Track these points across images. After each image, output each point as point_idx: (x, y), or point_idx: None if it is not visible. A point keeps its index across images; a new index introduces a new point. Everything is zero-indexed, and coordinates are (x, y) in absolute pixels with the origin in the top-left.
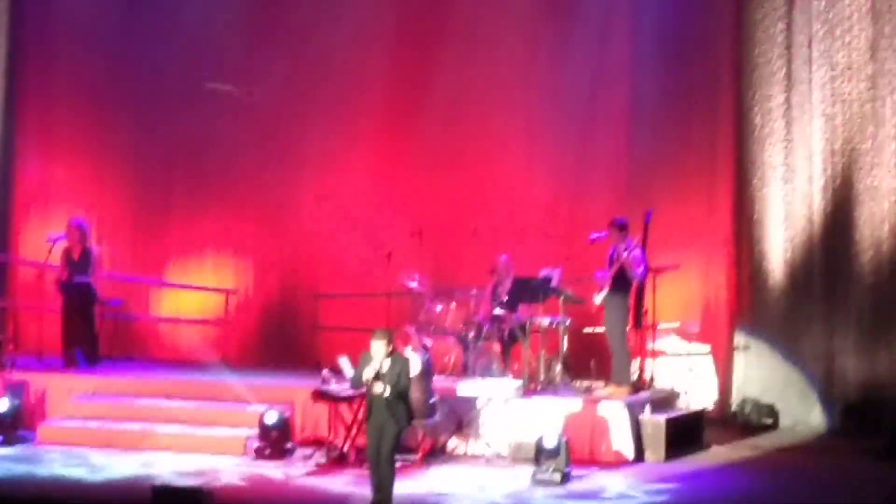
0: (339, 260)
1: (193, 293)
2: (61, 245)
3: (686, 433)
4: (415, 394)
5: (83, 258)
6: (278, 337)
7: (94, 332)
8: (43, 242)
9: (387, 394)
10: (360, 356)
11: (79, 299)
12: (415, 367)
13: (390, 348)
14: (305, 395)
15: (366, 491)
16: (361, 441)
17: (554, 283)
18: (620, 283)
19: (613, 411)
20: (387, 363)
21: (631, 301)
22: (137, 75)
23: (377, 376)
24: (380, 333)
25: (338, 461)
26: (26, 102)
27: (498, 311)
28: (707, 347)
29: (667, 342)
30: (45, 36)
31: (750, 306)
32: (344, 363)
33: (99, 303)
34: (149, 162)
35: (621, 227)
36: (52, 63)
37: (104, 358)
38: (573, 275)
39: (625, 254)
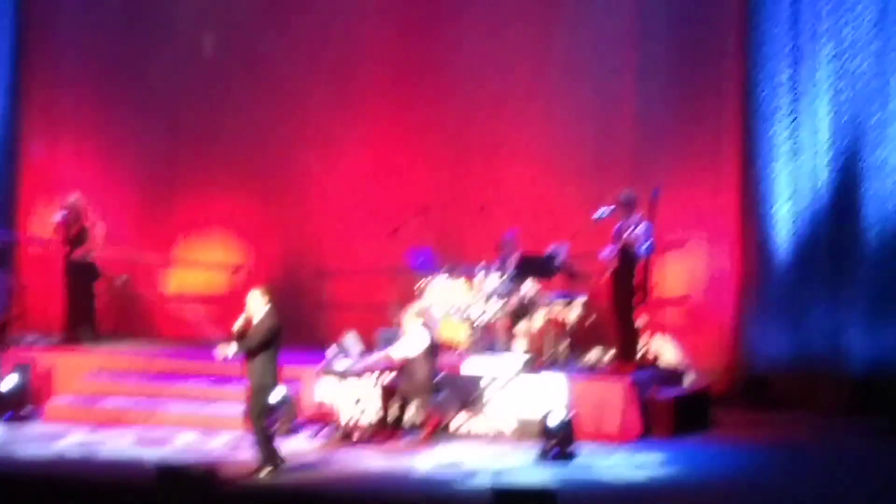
0: (344, 237)
1: (199, 270)
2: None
3: (692, 410)
4: (421, 370)
5: (80, 234)
6: (284, 314)
7: (94, 308)
8: (49, 222)
9: (231, 354)
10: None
11: (80, 276)
12: (421, 343)
13: (265, 300)
14: (311, 373)
15: (373, 465)
16: (367, 418)
17: (560, 260)
18: (626, 259)
19: (619, 388)
20: (259, 317)
21: (637, 277)
22: (142, 55)
23: (240, 338)
24: (258, 288)
25: (344, 438)
26: (32, 82)
27: (504, 287)
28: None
29: (673, 318)
30: (50, 17)
31: (756, 283)
32: (350, 340)
33: (104, 280)
34: (154, 140)
35: (627, 204)
36: (57, 43)
37: (108, 335)
38: (580, 251)
39: (630, 230)
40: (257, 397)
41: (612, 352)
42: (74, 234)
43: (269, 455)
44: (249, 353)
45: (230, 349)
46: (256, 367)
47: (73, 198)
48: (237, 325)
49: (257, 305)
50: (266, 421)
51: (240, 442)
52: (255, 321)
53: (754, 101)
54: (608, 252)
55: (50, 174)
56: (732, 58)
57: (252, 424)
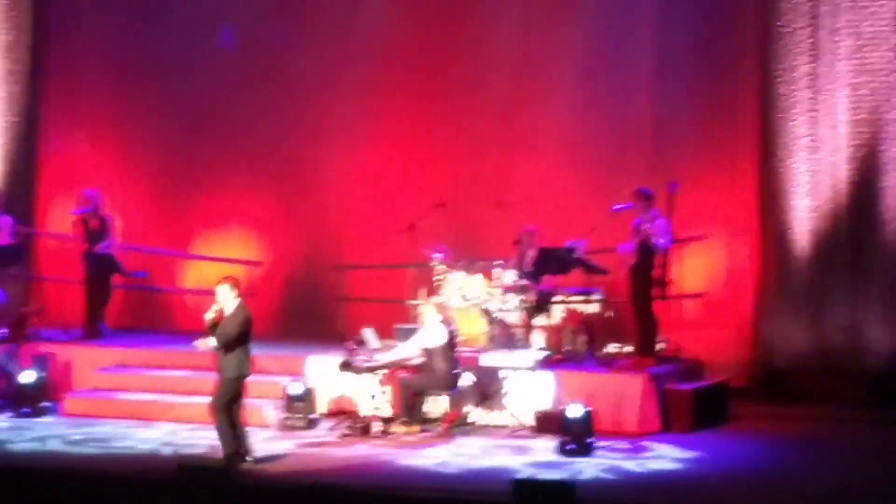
0: (362, 231)
1: (217, 265)
2: (78, 217)
3: (711, 404)
4: (439, 364)
5: (101, 228)
6: (302, 309)
7: (107, 301)
8: (68, 216)
9: (210, 346)
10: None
11: (100, 270)
12: (440, 337)
13: (235, 294)
14: (330, 367)
15: (391, 459)
16: (386, 412)
17: (579, 254)
18: (645, 253)
19: (637, 382)
20: (230, 310)
21: (656, 272)
22: (160, 51)
23: (213, 329)
24: (225, 279)
25: (363, 432)
26: (50, 78)
27: (523, 281)
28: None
29: (691, 312)
30: (68, 13)
31: (775, 277)
32: (368, 334)
33: (124, 274)
34: (172, 136)
35: (646, 198)
36: (76, 39)
37: (127, 329)
38: (598, 245)
39: (648, 224)
40: (227, 388)
41: (631, 346)
42: (94, 228)
43: (234, 447)
44: (227, 346)
45: (209, 341)
46: (230, 359)
47: (91, 193)
48: (209, 316)
49: (227, 298)
50: (233, 412)
51: (260, 437)
52: (227, 314)
53: (773, 96)
54: (627, 246)
55: (68, 170)
56: (751, 52)
57: (217, 415)
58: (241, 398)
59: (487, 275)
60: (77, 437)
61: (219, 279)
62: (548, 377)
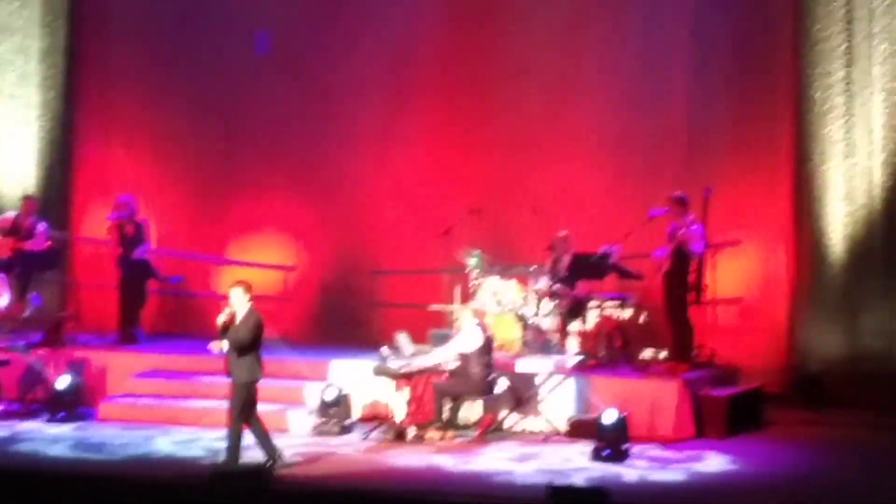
0: (397, 237)
1: (253, 270)
2: (114, 222)
3: (746, 410)
4: (474, 369)
5: (136, 233)
6: (337, 313)
7: (142, 307)
8: (103, 221)
9: (224, 349)
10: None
11: (135, 275)
12: (475, 342)
13: (248, 298)
14: (364, 372)
15: (426, 465)
16: (421, 417)
17: (613, 260)
18: (680, 259)
19: (672, 388)
20: (242, 314)
21: (691, 277)
22: (196, 55)
23: (224, 332)
24: (238, 283)
25: (397, 437)
26: (86, 83)
27: (557, 287)
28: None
29: (727, 318)
30: (104, 16)
31: (810, 282)
32: (402, 339)
33: (159, 280)
34: (207, 141)
35: (681, 203)
36: (112, 43)
37: (162, 335)
38: (632, 251)
39: (683, 230)
40: (241, 393)
41: (665, 352)
42: (129, 234)
43: (235, 452)
44: (240, 350)
45: (223, 345)
46: (242, 364)
47: (126, 198)
48: (221, 319)
49: (239, 302)
50: (246, 418)
51: (295, 441)
52: (240, 318)
53: (808, 101)
54: (662, 252)
55: (103, 175)
56: (787, 57)
57: (236, 422)
58: (255, 402)
59: (522, 280)
60: (111, 442)
61: (231, 283)
62: (582, 383)
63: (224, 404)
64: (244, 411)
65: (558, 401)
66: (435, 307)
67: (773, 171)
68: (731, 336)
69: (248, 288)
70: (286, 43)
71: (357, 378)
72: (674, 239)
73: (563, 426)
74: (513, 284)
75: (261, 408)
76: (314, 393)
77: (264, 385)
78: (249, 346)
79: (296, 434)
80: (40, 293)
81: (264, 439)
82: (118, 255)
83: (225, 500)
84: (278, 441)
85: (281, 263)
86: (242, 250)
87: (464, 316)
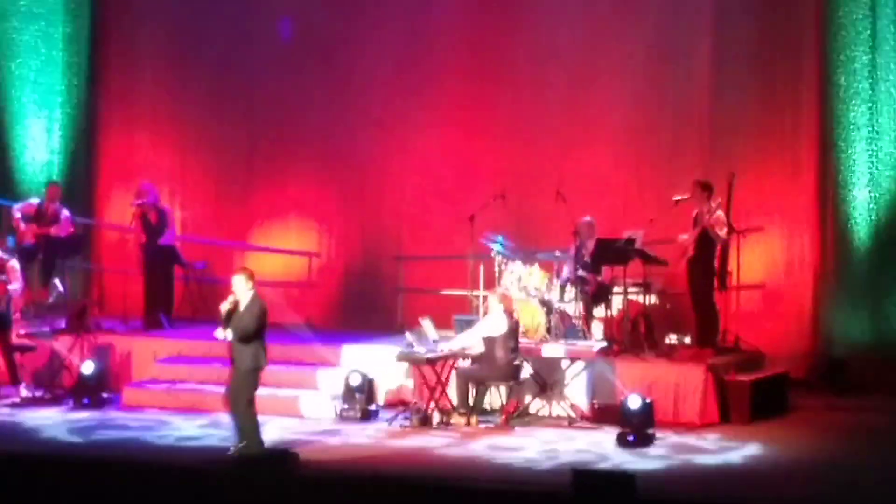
0: (421, 222)
1: (277, 256)
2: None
3: (770, 395)
4: (500, 354)
5: (160, 220)
6: (361, 299)
7: (172, 293)
8: (127, 208)
9: (229, 337)
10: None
11: (161, 261)
12: (501, 326)
13: (250, 285)
14: (389, 358)
15: (451, 450)
16: (445, 403)
17: (637, 245)
18: (704, 244)
19: (697, 373)
20: (246, 302)
21: (715, 263)
22: (219, 41)
23: (228, 319)
24: (240, 271)
25: (422, 423)
26: (109, 69)
27: (581, 272)
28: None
29: (751, 303)
30: (127, 4)
31: (834, 268)
32: (427, 325)
33: (183, 266)
34: (231, 128)
35: (705, 188)
36: (135, 30)
37: (186, 320)
38: (657, 236)
39: (708, 215)
40: (245, 380)
41: (690, 337)
42: (152, 220)
43: (254, 438)
44: (245, 338)
45: (228, 333)
46: (247, 351)
47: (149, 184)
48: (224, 306)
49: (242, 290)
50: (251, 404)
51: (319, 427)
52: (243, 306)
53: (833, 86)
54: (687, 237)
55: (127, 161)
56: (811, 43)
57: (235, 407)
58: (256, 390)
59: (546, 266)
60: (136, 427)
61: (235, 270)
62: (607, 368)
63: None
64: (248, 399)
65: (583, 386)
66: (470, 293)
67: (798, 157)
68: (756, 321)
69: (250, 275)
70: (309, 29)
71: (378, 363)
72: (698, 224)
73: (588, 411)
74: (537, 270)
75: (273, 392)
76: (338, 378)
77: (277, 370)
78: (254, 333)
79: (312, 418)
80: (64, 279)
81: (234, 426)
82: (142, 241)
83: (250, 485)
84: (303, 426)
85: (305, 249)
86: (265, 236)
87: (491, 300)
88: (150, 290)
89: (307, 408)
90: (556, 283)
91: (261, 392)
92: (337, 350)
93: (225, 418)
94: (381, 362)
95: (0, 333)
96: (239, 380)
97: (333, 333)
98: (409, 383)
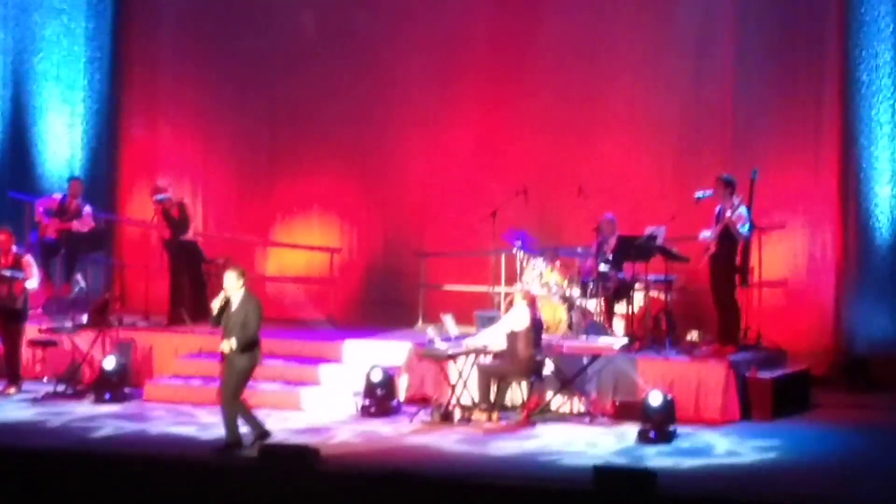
0: (443, 219)
1: (298, 252)
2: (159, 205)
3: (792, 392)
4: (522, 350)
5: (182, 216)
6: (383, 295)
7: (202, 290)
8: (149, 203)
9: (234, 347)
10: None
11: (185, 257)
12: (523, 322)
13: (241, 283)
14: (410, 354)
15: (472, 446)
16: (467, 399)
17: (659, 241)
18: (727, 241)
19: (719, 370)
20: (238, 300)
21: (738, 259)
22: (242, 36)
23: (219, 317)
24: (231, 268)
25: (443, 419)
26: (131, 64)
27: (603, 268)
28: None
29: (772, 300)
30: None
31: (856, 265)
32: (448, 321)
33: (204, 261)
34: (254, 124)
35: (728, 185)
36: (157, 25)
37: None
38: (678, 233)
39: (729, 212)
40: (240, 378)
41: (711, 334)
42: (175, 216)
43: (235, 430)
44: (248, 347)
45: (233, 343)
46: (244, 352)
47: (164, 182)
48: (215, 304)
49: (233, 287)
50: (237, 398)
51: (340, 422)
52: (236, 304)
53: (855, 83)
54: (709, 234)
55: (149, 156)
56: (833, 38)
57: (227, 403)
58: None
59: (568, 262)
60: (159, 423)
61: (226, 267)
62: (628, 365)
63: (270, 385)
64: (239, 391)
65: (604, 383)
66: (492, 289)
67: (820, 153)
68: (777, 318)
69: (242, 272)
70: (333, 24)
71: (404, 359)
72: (721, 221)
73: (609, 408)
74: (559, 266)
75: (273, 388)
76: (340, 373)
77: (278, 365)
78: (256, 333)
79: (342, 415)
80: (86, 274)
81: (242, 421)
82: (166, 238)
83: (272, 479)
84: (324, 421)
85: (326, 245)
86: (288, 232)
87: (515, 295)
88: (175, 287)
89: (307, 402)
90: (578, 279)
91: (263, 386)
92: (339, 346)
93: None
94: (403, 358)
95: (14, 328)
96: (234, 377)
97: (354, 329)
98: (431, 379)
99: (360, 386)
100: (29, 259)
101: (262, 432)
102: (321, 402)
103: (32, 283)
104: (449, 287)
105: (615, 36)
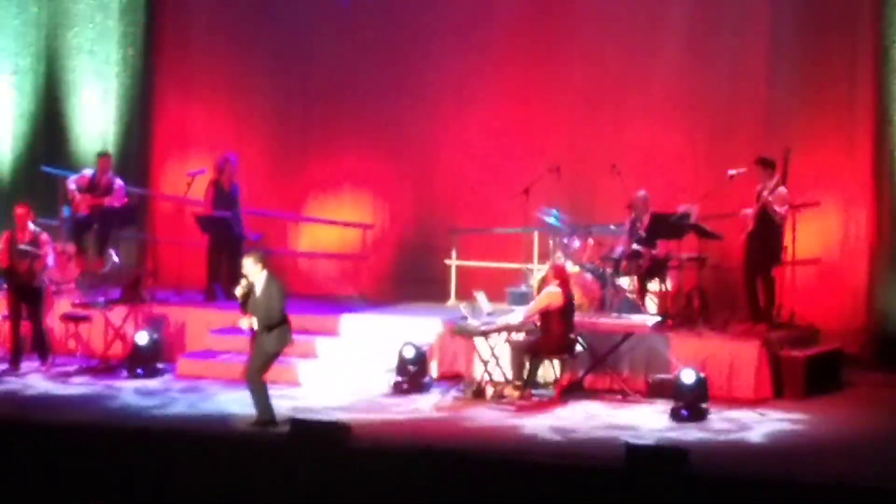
0: (475, 195)
1: (331, 228)
2: (207, 178)
3: (824, 371)
4: (555, 328)
5: (232, 192)
6: (415, 272)
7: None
8: (182, 179)
9: (255, 327)
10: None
11: (227, 234)
12: (556, 300)
13: (261, 266)
14: (442, 330)
15: (504, 423)
16: (499, 376)
17: (692, 219)
18: (764, 220)
19: (751, 348)
20: (261, 284)
21: (783, 239)
22: (274, 11)
23: (244, 303)
24: (248, 254)
25: (475, 396)
26: (165, 39)
27: (636, 246)
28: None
29: (806, 279)
30: None
31: (890, 244)
32: (481, 298)
33: (243, 238)
34: (287, 100)
35: (766, 165)
36: (190, 1)
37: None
38: (711, 211)
39: (766, 192)
40: (269, 359)
41: (744, 312)
42: (228, 190)
43: (267, 411)
44: (270, 326)
45: (252, 322)
46: (272, 333)
47: (230, 154)
48: (239, 290)
49: (254, 272)
50: (261, 376)
51: (373, 399)
52: (260, 289)
53: (889, 62)
54: (748, 213)
55: (182, 131)
56: (866, 18)
57: (252, 380)
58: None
59: (601, 240)
60: (189, 398)
61: (245, 254)
62: (661, 343)
63: (302, 360)
64: (263, 370)
65: (637, 361)
66: (525, 266)
67: (853, 132)
68: (811, 297)
69: (259, 257)
70: (363, 5)
71: (437, 336)
72: (759, 200)
73: (642, 386)
74: (592, 243)
75: (345, 366)
76: (338, 348)
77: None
78: (282, 314)
79: (374, 391)
80: (118, 250)
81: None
82: (208, 212)
83: (303, 455)
84: (356, 398)
85: (359, 221)
86: (321, 208)
87: (548, 273)
88: (212, 263)
89: (305, 376)
90: (612, 256)
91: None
92: (336, 319)
93: (278, 389)
94: (435, 335)
95: (33, 307)
96: (261, 357)
97: (386, 305)
98: (464, 356)
99: (379, 361)
100: (46, 237)
101: (266, 420)
102: (318, 376)
103: (50, 261)
104: (482, 263)
105: (651, 15)
